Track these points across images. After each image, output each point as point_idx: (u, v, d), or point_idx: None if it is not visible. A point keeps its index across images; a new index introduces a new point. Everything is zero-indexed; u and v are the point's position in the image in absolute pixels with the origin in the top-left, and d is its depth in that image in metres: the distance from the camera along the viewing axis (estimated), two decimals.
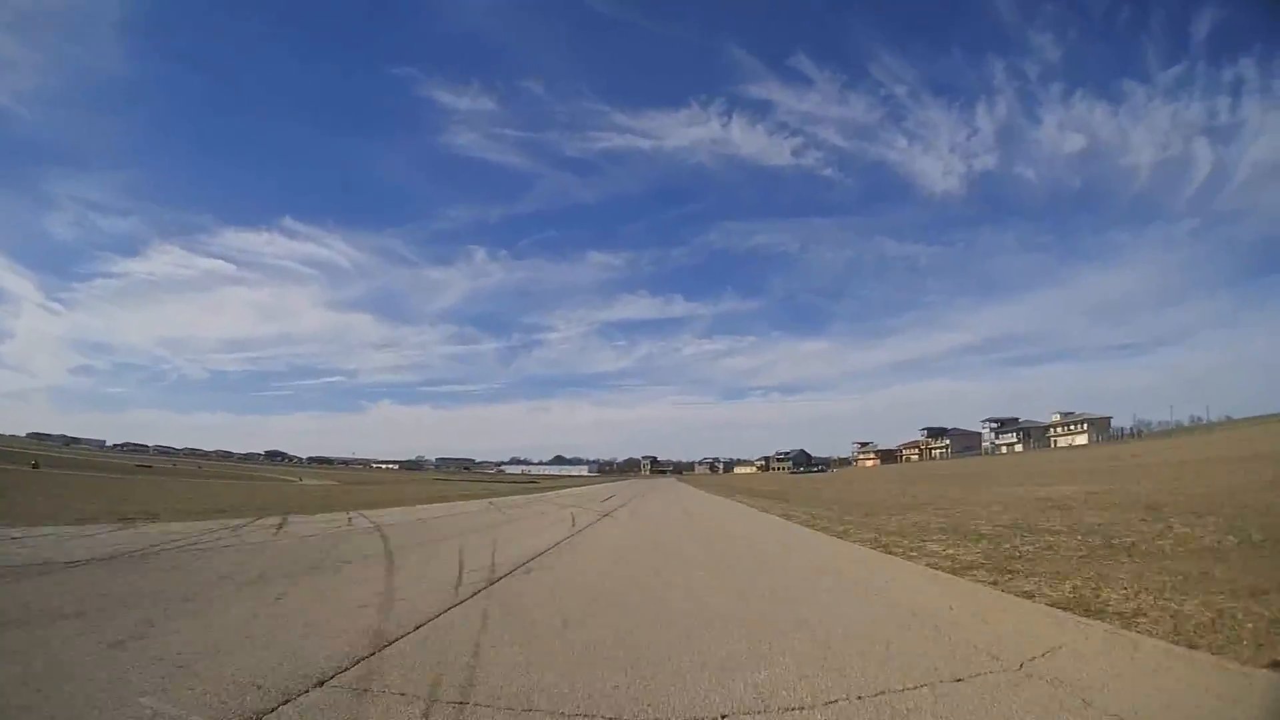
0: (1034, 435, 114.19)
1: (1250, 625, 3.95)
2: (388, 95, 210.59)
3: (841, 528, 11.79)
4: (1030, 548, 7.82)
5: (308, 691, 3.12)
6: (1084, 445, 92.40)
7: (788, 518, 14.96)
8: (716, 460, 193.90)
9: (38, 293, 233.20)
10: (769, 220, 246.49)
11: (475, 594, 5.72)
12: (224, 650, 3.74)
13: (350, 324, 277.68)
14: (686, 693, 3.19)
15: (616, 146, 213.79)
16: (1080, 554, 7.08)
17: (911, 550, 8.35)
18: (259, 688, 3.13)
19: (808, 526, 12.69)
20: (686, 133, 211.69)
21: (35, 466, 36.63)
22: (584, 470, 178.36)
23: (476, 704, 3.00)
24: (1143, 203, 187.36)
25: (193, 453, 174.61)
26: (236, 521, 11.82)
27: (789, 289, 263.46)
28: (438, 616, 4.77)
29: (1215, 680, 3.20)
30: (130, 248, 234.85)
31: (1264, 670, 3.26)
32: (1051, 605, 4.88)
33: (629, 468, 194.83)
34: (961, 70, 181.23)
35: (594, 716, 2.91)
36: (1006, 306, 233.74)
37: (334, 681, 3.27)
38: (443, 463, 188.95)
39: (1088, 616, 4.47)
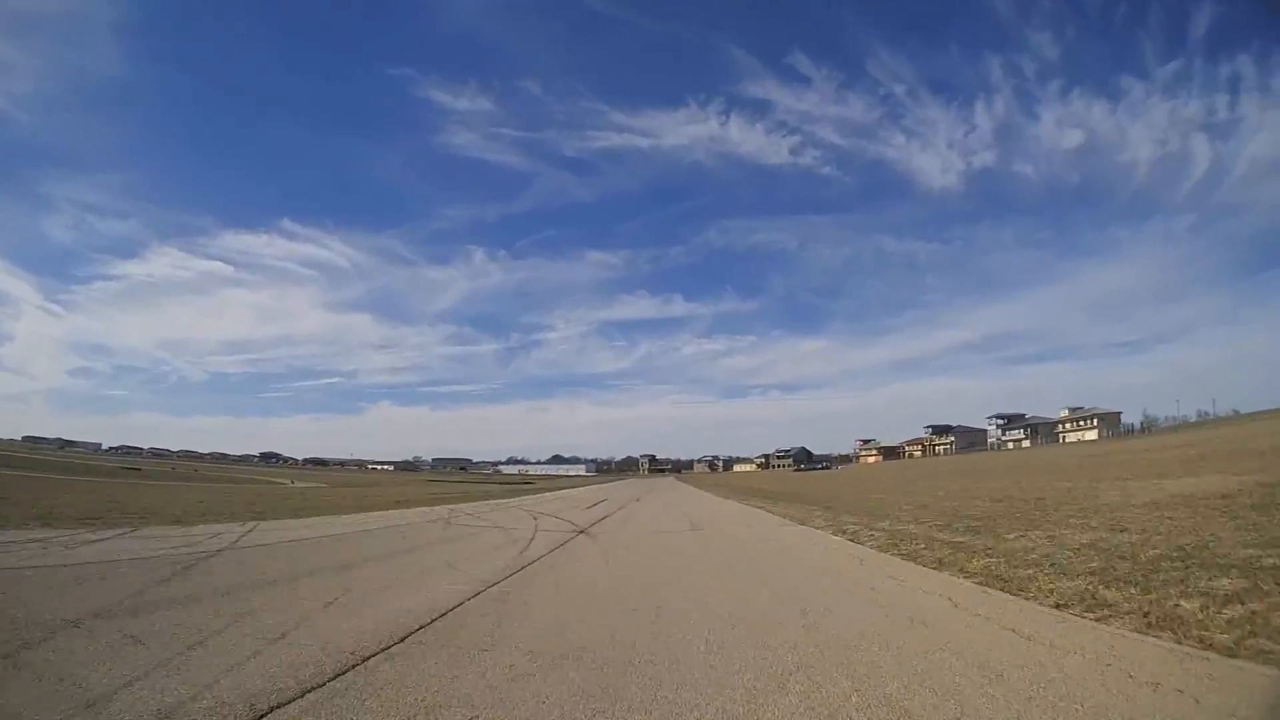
0: (1041, 431, 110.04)
1: None
2: (385, 96, 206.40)
3: (980, 561, 6.98)
4: None
5: None
6: (1093, 441, 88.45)
7: (851, 538, 10.58)
8: (716, 458, 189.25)
9: (36, 295, 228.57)
10: (767, 219, 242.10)
11: None
12: None
13: (349, 325, 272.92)
14: None
15: (614, 145, 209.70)
16: None
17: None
18: None
19: (906, 559, 7.73)
20: (684, 131, 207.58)
21: None
22: (581, 470, 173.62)
23: None
24: (1141, 198, 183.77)
25: (188, 455, 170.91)
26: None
27: (788, 287, 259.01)
28: None
29: None
30: (129, 250, 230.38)
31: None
32: None
33: (627, 466, 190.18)
34: (959, 67, 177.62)
35: None
36: (1005, 304, 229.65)
37: None
38: (439, 463, 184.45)
39: None
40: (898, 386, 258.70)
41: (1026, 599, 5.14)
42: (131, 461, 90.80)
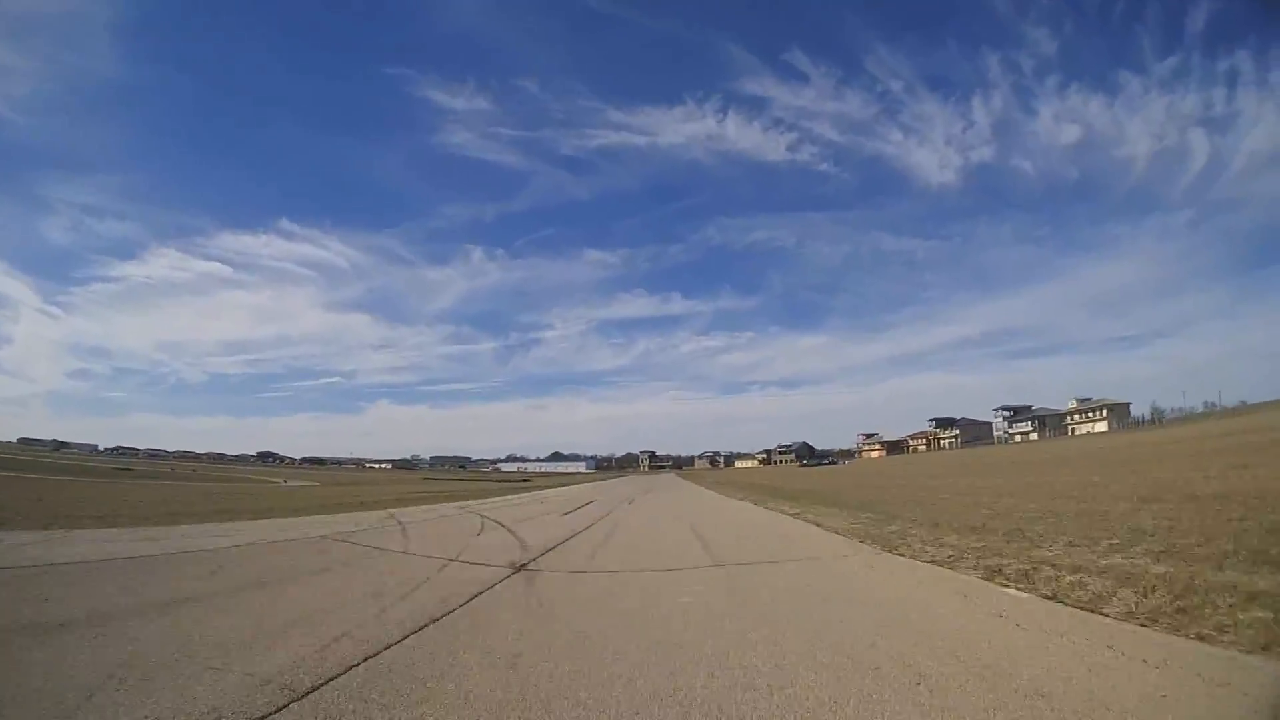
0: (1050, 423, 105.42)
1: None
2: (383, 96, 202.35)
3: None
4: None
5: None
6: (1104, 433, 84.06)
7: (1051, 594, 6.03)
8: (716, 454, 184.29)
9: (35, 297, 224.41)
10: (765, 216, 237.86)
11: None
12: None
13: (348, 325, 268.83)
14: None
15: (612, 144, 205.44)
16: None
17: None
18: None
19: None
20: (682, 129, 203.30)
21: None
22: (581, 467, 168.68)
23: None
24: (1139, 194, 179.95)
25: (183, 455, 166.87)
26: None
27: (786, 284, 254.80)
28: None
29: None
30: (127, 251, 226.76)
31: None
32: None
33: (627, 463, 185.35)
34: (957, 63, 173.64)
35: None
36: (1004, 300, 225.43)
37: None
38: (437, 461, 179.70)
39: None
40: (896, 382, 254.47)
41: None
42: (125, 462, 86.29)
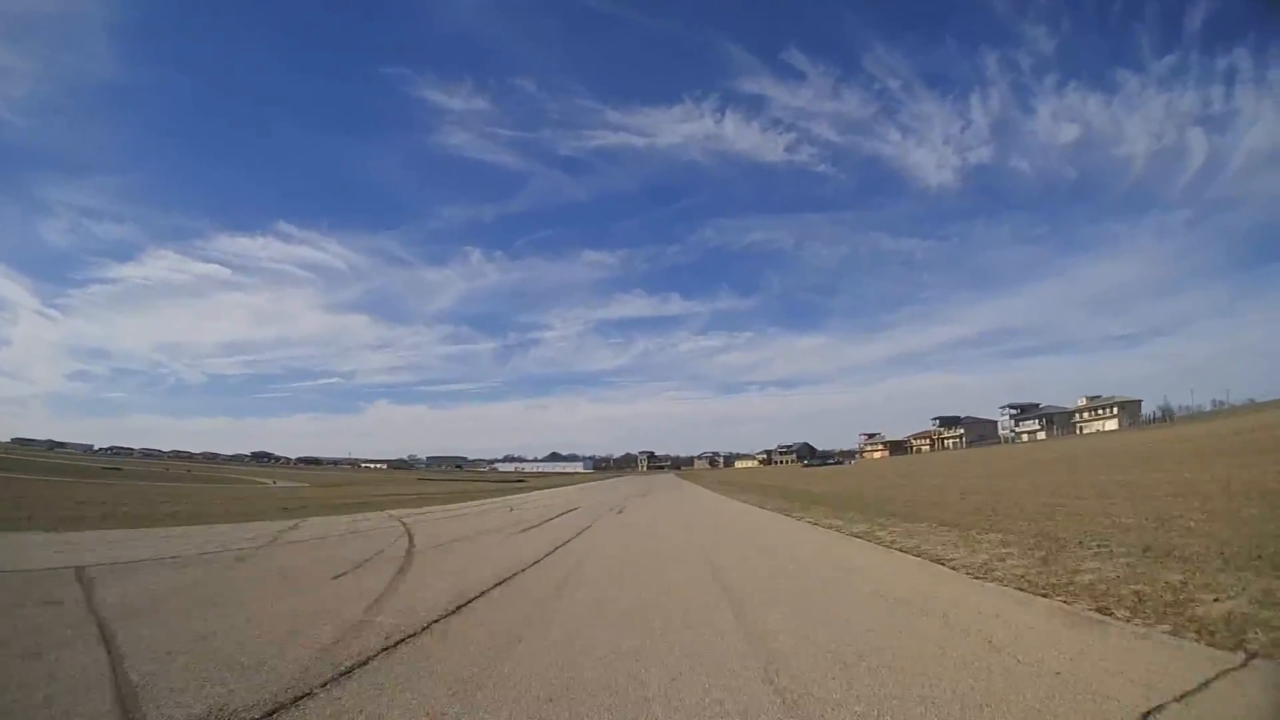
0: (1058, 421, 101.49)
1: None
2: (380, 96, 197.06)
3: None
4: None
5: None
6: (1114, 431, 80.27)
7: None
8: (716, 454, 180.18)
9: (34, 299, 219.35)
10: (763, 217, 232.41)
11: None
12: None
13: (346, 326, 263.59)
14: None
15: (610, 144, 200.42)
16: None
17: None
18: None
19: None
20: (680, 129, 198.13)
21: None
22: (579, 467, 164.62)
23: None
24: (1138, 193, 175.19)
25: (179, 455, 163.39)
26: None
27: (784, 285, 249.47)
28: None
29: None
30: (126, 253, 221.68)
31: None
32: None
33: (626, 463, 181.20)
34: (955, 62, 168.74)
35: None
36: (1003, 299, 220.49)
37: None
38: (434, 461, 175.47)
39: None
40: (896, 382, 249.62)
41: None
42: (117, 462, 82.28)
